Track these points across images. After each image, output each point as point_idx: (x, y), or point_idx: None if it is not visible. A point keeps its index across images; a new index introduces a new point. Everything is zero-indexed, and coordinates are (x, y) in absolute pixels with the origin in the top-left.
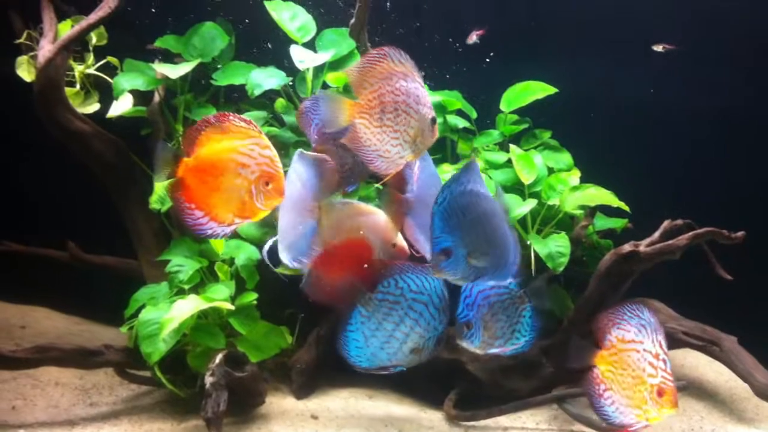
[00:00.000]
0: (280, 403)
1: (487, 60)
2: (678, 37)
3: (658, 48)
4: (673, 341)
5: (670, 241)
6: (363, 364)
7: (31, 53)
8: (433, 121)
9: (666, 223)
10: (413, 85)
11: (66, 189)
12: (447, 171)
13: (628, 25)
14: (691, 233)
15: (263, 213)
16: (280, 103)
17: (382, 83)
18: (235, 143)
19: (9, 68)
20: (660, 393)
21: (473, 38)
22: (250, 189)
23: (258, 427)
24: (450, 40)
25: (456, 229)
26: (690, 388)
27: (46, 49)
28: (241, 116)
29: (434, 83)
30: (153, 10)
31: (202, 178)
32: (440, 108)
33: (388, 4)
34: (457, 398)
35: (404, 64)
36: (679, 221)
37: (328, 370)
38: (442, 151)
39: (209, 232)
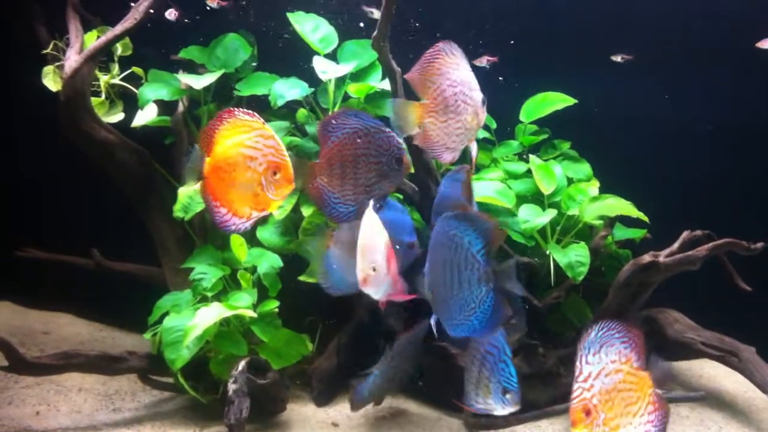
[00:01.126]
0: (300, 410)
1: (507, 71)
2: (695, 47)
3: (617, 58)
4: (692, 351)
5: (689, 252)
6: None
7: (57, 63)
8: (483, 101)
9: (685, 234)
10: (464, 72)
11: (90, 196)
12: None
13: (646, 35)
14: (710, 244)
15: (276, 203)
16: (302, 113)
17: (441, 80)
18: (242, 137)
19: (35, 78)
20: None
21: (483, 62)
22: (260, 181)
23: None
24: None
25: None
26: (708, 398)
27: (72, 59)
28: (245, 110)
29: None
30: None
31: (220, 176)
32: None
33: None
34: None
35: (455, 54)
36: (699, 232)
37: (348, 378)
38: (462, 161)
39: (233, 227)
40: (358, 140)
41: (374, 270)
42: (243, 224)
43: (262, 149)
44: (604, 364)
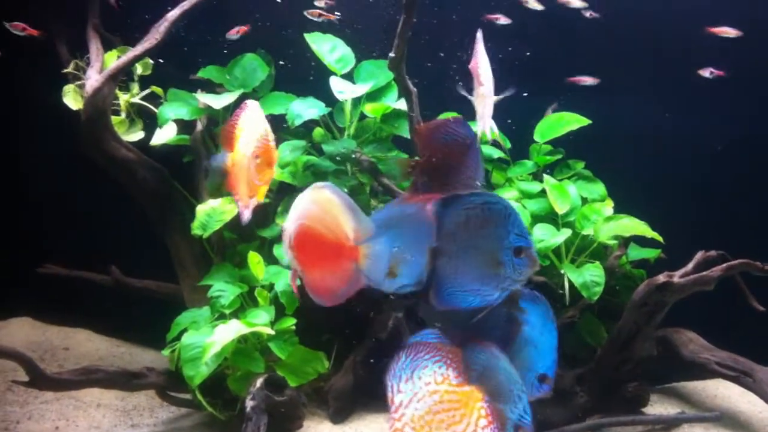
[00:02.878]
0: (317, 427)
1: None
2: (709, 67)
3: (705, 73)
4: (706, 371)
5: (703, 273)
6: None
7: (78, 82)
8: None
9: (699, 255)
10: None
11: (109, 214)
12: None
13: (661, 55)
14: (724, 264)
15: (263, 189)
16: (318, 132)
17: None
18: (242, 126)
19: (56, 96)
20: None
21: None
22: (250, 167)
23: None
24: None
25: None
26: (723, 418)
27: (93, 78)
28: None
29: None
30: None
31: (233, 169)
32: None
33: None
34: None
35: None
36: (713, 252)
37: (364, 396)
38: None
39: (244, 217)
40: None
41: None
42: (246, 213)
43: (252, 134)
44: (417, 389)
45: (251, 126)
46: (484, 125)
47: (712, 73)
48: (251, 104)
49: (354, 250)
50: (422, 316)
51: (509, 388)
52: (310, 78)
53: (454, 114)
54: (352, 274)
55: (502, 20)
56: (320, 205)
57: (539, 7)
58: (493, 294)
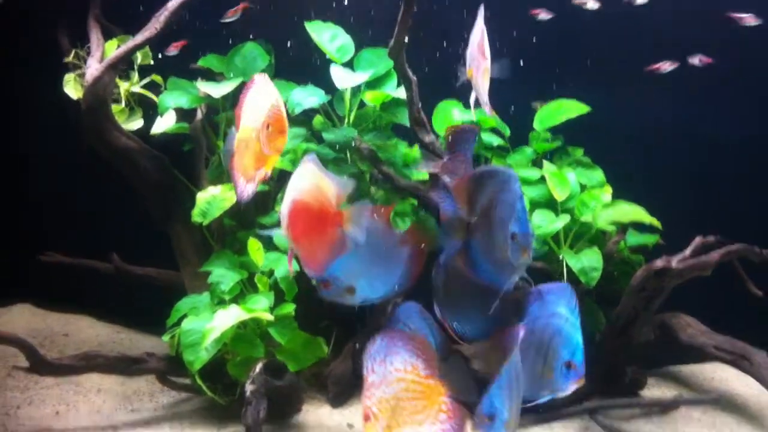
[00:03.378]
0: (316, 411)
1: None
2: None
3: (694, 60)
4: (704, 355)
5: (701, 257)
6: None
7: (78, 71)
8: None
9: (698, 240)
10: None
11: (110, 202)
12: None
13: (659, 43)
14: (722, 250)
15: (274, 159)
16: (318, 120)
17: None
18: (249, 101)
19: (56, 85)
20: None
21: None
22: (261, 137)
23: None
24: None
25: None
26: (720, 401)
27: (93, 67)
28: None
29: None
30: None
31: (239, 146)
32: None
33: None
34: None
35: None
36: (711, 238)
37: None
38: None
39: (244, 195)
40: None
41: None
42: (250, 187)
43: (260, 105)
44: (387, 373)
45: (259, 98)
46: (485, 103)
47: (701, 60)
48: (258, 78)
49: (338, 216)
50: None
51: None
52: (311, 66)
53: (456, 102)
54: (338, 238)
55: (544, 15)
56: (307, 178)
57: (596, 5)
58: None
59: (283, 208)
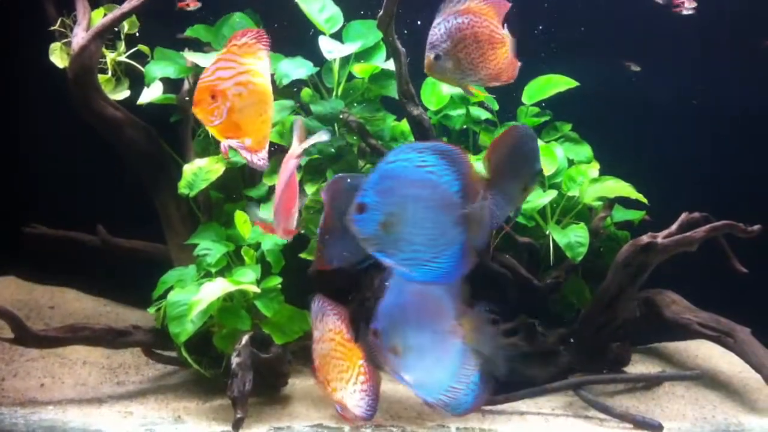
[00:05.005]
0: (302, 384)
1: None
2: (699, 35)
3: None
4: (688, 332)
5: (687, 234)
6: None
7: (65, 40)
8: None
9: (683, 216)
10: None
11: (97, 174)
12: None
13: (650, 20)
14: (708, 226)
15: (246, 124)
16: (306, 92)
17: None
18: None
19: (42, 55)
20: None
21: None
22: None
23: (282, 407)
24: None
25: (384, 193)
26: (703, 377)
27: (80, 36)
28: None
29: None
30: None
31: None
32: (463, 100)
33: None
34: None
35: None
36: (697, 214)
37: None
38: (465, 142)
39: (260, 163)
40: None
41: None
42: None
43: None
44: (324, 332)
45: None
46: None
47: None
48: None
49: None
50: None
51: None
52: (300, 37)
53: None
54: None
55: None
56: None
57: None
58: None
59: None
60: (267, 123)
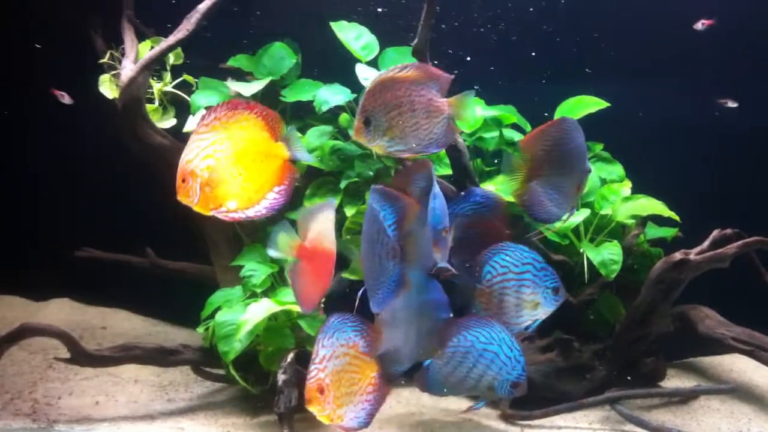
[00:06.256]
0: None
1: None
2: (728, 52)
3: (698, 26)
4: (723, 346)
5: (719, 250)
6: (444, 394)
7: (113, 72)
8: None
9: (715, 233)
10: None
11: (145, 199)
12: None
13: (679, 36)
14: (739, 242)
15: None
16: (344, 117)
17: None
18: None
19: (91, 86)
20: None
21: None
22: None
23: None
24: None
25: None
26: (738, 391)
27: (128, 68)
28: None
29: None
30: None
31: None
32: (496, 122)
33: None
34: (512, 399)
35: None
36: (729, 230)
37: None
38: (499, 163)
39: (258, 215)
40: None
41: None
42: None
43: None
44: (335, 347)
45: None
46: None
47: (703, 24)
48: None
49: None
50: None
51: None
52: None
53: (478, 100)
54: None
55: None
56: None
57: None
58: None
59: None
60: (250, 178)
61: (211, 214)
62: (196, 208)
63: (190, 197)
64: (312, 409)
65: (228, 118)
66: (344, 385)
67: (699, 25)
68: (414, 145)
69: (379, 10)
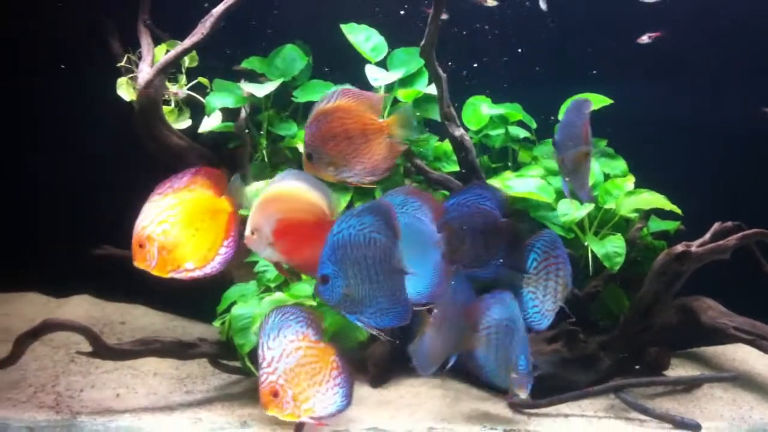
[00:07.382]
0: (357, 391)
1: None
2: (730, 49)
3: (644, 39)
4: (725, 336)
5: (720, 242)
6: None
7: (130, 75)
8: None
9: (716, 225)
10: None
11: None
12: (508, 178)
13: (681, 35)
14: (740, 234)
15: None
16: None
17: None
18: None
19: (108, 89)
20: None
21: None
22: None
23: None
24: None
25: (339, 261)
26: (740, 379)
27: (145, 71)
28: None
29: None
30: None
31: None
32: (502, 119)
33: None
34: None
35: None
36: (729, 223)
37: (401, 363)
38: (505, 159)
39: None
40: None
41: (253, 233)
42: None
43: None
44: (284, 345)
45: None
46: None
47: (650, 36)
48: None
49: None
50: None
51: None
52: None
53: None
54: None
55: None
56: (288, 195)
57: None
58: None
59: (261, 228)
60: (202, 237)
61: (169, 276)
62: (155, 272)
63: (147, 261)
64: (271, 412)
65: (178, 185)
66: (304, 379)
67: (645, 38)
68: (359, 170)
69: (401, 12)
